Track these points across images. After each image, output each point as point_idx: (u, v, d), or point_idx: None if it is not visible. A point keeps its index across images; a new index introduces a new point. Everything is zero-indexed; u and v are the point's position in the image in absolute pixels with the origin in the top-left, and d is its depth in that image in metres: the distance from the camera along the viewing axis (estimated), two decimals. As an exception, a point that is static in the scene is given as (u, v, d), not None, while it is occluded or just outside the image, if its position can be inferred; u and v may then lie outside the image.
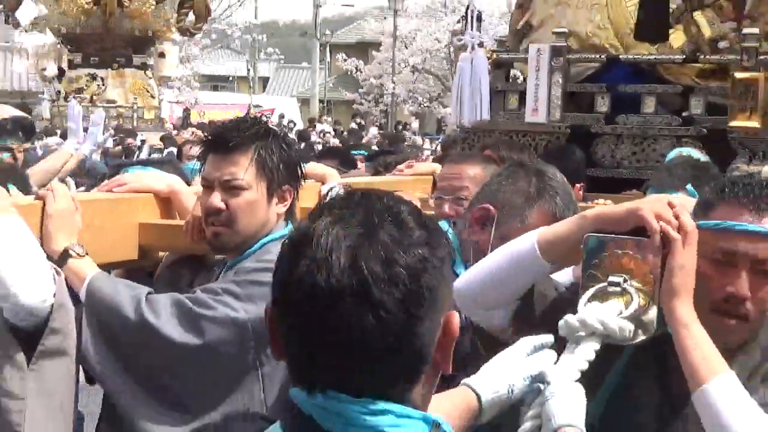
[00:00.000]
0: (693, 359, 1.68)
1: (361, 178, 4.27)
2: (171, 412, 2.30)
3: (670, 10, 5.28)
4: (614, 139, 5.33)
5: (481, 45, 5.55)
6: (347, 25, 43.21)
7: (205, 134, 3.54)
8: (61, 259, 2.29)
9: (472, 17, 5.57)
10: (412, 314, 1.13)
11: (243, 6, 31.30)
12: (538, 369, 1.59)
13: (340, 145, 14.90)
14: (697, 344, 1.69)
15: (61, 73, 12.96)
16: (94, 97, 12.54)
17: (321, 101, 38.71)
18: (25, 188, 3.40)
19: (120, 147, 12.24)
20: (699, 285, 1.77)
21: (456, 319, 1.18)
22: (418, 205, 1.44)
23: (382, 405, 1.14)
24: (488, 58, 5.56)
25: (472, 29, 5.54)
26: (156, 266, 2.80)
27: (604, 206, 2.69)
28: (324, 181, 3.53)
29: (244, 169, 2.37)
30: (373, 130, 22.46)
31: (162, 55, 13.47)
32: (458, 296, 1.84)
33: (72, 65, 12.46)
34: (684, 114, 5.25)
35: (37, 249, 2.13)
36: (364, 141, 16.29)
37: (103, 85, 12.85)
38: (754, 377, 1.82)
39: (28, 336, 2.08)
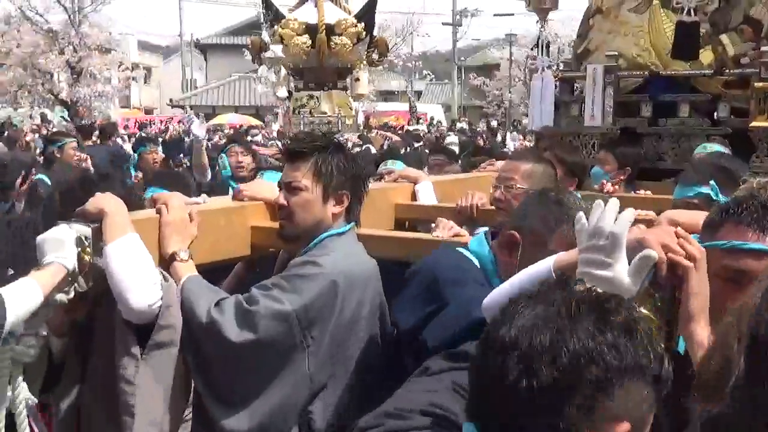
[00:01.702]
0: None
1: (449, 176, 4.53)
2: (233, 406, 2.44)
3: (701, 34, 5.63)
4: (656, 138, 5.86)
5: (549, 67, 6.26)
6: (475, 53, 52.16)
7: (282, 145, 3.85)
8: (168, 261, 2.55)
9: (542, 45, 6.35)
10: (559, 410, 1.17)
11: (405, 43, 39.39)
12: None
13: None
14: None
15: (290, 94, 16.02)
16: (312, 110, 15.36)
17: (459, 107, 45.25)
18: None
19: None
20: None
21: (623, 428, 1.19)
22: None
23: None
24: (556, 77, 6.28)
25: (542, 55, 6.30)
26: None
27: None
28: (417, 181, 3.83)
29: (302, 174, 2.62)
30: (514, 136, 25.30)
31: (357, 80, 16.42)
32: (486, 311, 1.90)
33: (297, 89, 15.65)
34: (713, 117, 5.70)
35: (148, 262, 2.41)
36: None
37: (318, 102, 15.65)
38: None
39: (142, 331, 2.38)
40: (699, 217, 2.29)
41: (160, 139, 15.73)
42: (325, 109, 16.10)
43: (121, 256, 2.36)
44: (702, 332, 1.66)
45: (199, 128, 7.93)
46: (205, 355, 2.46)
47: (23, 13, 25.02)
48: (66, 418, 2.61)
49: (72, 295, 2.42)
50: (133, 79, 33.20)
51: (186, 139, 12.66)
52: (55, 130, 17.59)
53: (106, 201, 2.46)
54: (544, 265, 1.84)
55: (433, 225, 3.59)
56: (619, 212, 1.69)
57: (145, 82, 43.66)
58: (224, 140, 18.69)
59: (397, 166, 4.74)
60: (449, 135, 19.59)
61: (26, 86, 24.68)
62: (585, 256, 1.69)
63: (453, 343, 2.11)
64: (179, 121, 32.26)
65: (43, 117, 25.06)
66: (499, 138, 21.91)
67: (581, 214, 1.75)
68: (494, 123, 32.78)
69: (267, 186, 3.11)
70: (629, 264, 1.65)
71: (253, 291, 2.48)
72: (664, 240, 1.69)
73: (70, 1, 24.11)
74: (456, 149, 10.97)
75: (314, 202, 2.63)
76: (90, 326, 2.56)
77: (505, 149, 15.21)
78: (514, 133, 27.29)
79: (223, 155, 6.41)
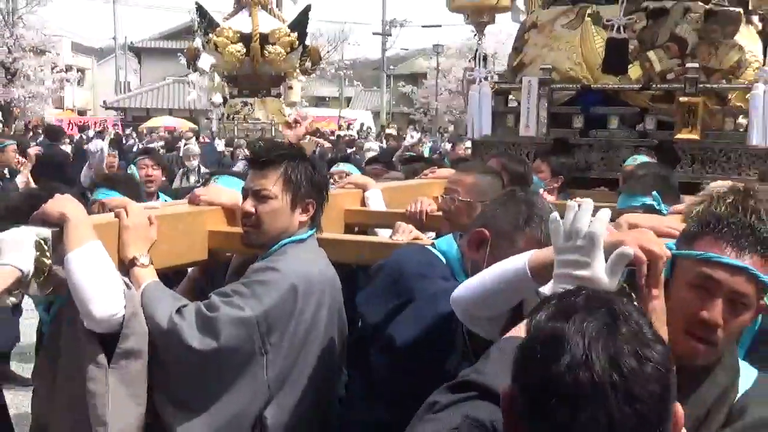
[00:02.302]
0: None
1: (396, 183, 4.46)
2: (191, 413, 2.38)
3: (629, 50, 5.72)
4: (587, 149, 5.97)
5: (486, 79, 6.34)
6: (404, 61, 52.25)
7: (247, 153, 3.73)
8: (128, 266, 2.47)
9: (479, 58, 6.40)
10: (666, 407, 1.11)
11: (336, 51, 39.94)
12: None
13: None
14: None
15: (224, 101, 16.32)
16: (246, 117, 15.83)
17: (387, 114, 45.13)
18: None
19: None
20: (677, 309, 1.74)
21: (679, 408, 1.15)
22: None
23: None
24: (492, 89, 6.33)
25: (479, 67, 6.36)
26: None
27: None
28: (366, 188, 3.81)
29: (272, 182, 2.57)
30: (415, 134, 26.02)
31: (290, 88, 16.84)
32: (454, 305, 1.92)
33: (231, 96, 15.95)
34: (639, 129, 5.87)
35: (110, 271, 2.32)
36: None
37: (252, 108, 16.10)
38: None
39: (108, 340, 2.29)
40: (655, 220, 2.34)
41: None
42: (259, 116, 16.33)
43: (83, 265, 2.26)
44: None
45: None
46: (164, 362, 2.38)
47: (-45, 13, 24.32)
48: None
49: (20, 299, 2.35)
50: (67, 80, 32.44)
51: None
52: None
53: (67, 205, 2.36)
54: (519, 262, 1.82)
55: (378, 230, 3.62)
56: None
57: (78, 84, 42.63)
58: (161, 143, 18.63)
59: (349, 168, 4.75)
60: (369, 141, 19.83)
61: (-43, 87, 23.99)
62: (563, 258, 1.68)
63: (423, 338, 2.14)
64: (114, 124, 31.77)
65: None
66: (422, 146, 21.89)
67: (555, 214, 1.74)
68: (414, 130, 33.06)
69: (224, 191, 3.07)
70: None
71: (212, 297, 2.42)
72: (641, 242, 1.68)
73: (4, 2, 23.46)
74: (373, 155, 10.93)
75: (283, 210, 2.59)
76: (56, 345, 2.47)
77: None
78: (414, 131, 28.48)
79: (133, 166, 6.04)
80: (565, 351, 1.09)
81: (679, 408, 1.14)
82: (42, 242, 2.32)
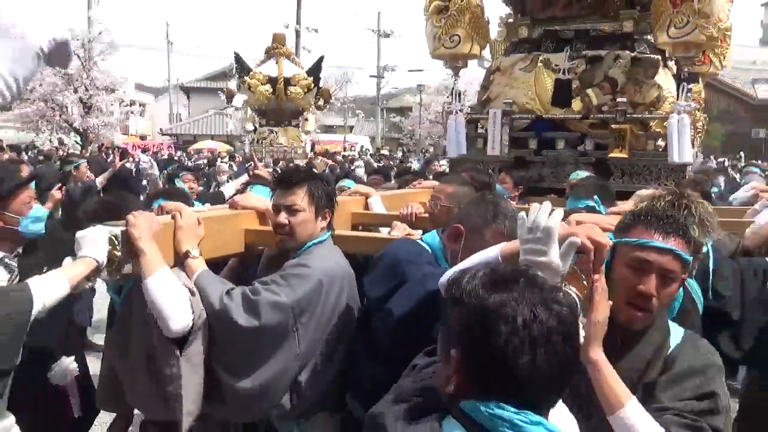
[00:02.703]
0: (606, 392, 1.64)
1: (392, 191, 4.48)
2: (238, 375, 2.38)
3: (572, 88, 5.87)
4: (540, 165, 5.96)
5: (461, 110, 6.39)
6: (394, 97, 52.44)
7: (274, 174, 3.76)
8: (183, 258, 2.45)
9: (455, 95, 6.48)
10: (574, 347, 1.21)
11: (341, 89, 39.92)
12: None
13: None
14: (607, 380, 1.65)
15: (255, 129, 16.15)
16: (272, 142, 15.58)
17: (381, 138, 45.94)
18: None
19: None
20: (619, 285, 1.77)
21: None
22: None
23: (536, 418, 1.16)
24: (465, 118, 6.39)
25: (455, 101, 6.42)
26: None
27: None
28: (369, 195, 3.80)
29: (300, 198, 2.57)
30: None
31: (306, 119, 16.53)
32: (441, 287, 1.86)
33: (260, 125, 15.85)
34: (581, 149, 5.86)
35: (180, 290, 2.30)
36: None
37: (276, 135, 15.82)
38: (638, 386, 1.75)
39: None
40: (597, 218, 2.34)
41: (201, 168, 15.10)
42: (282, 141, 16.62)
43: (158, 288, 2.26)
44: (597, 354, 1.68)
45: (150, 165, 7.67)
46: (216, 335, 2.37)
47: (44, 59, 24.19)
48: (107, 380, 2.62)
49: (95, 282, 2.35)
50: (132, 112, 32.32)
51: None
52: (70, 151, 17.11)
53: (143, 236, 2.30)
54: (492, 252, 1.82)
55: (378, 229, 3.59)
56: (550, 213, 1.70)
57: (140, 115, 42.57)
58: (204, 161, 18.64)
59: (349, 183, 4.72)
60: (359, 159, 19.72)
61: (46, 117, 23.95)
62: (526, 247, 1.68)
63: (414, 311, 2.13)
64: (168, 146, 31.65)
65: (60, 141, 24.29)
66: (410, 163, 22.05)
67: (523, 214, 1.75)
68: (401, 152, 33.70)
69: (256, 197, 3.07)
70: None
71: (255, 284, 2.41)
72: (589, 233, 1.69)
73: (83, 51, 23.41)
74: (363, 170, 11.46)
75: (310, 220, 2.59)
76: (128, 321, 2.47)
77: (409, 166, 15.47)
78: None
79: (178, 179, 6.08)
80: (505, 320, 1.16)
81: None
82: (114, 238, 2.30)
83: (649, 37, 5.92)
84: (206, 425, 2.44)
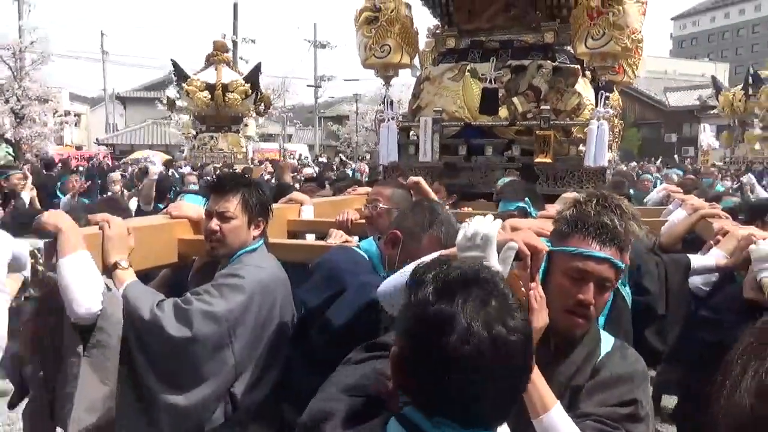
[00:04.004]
0: (533, 396, 1.61)
1: (326, 198, 4.41)
2: (171, 388, 2.24)
3: (499, 96, 5.94)
4: (470, 170, 6.03)
5: (392, 119, 6.36)
6: (331, 106, 52.37)
7: (209, 180, 3.62)
8: (111, 269, 2.31)
9: (387, 103, 6.45)
10: (527, 362, 1.12)
11: (279, 98, 39.14)
12: None
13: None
14: (535, 385, 1.61)
15: (195, 135, 16.20)
16: (212, 147, 15.73)
17: (319, 146, 45.52)
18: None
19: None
20: (557, 293, 1.74)
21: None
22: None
23: None
24: (397, 126, 6.37)
25: (387, 110, 6.40)
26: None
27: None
28: (303, 203, 3.70)
29: (233, 205, 2.46)
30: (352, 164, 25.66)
31: (246, 125, 16.78)
32: (380, 296, 1.79)
33: (200, 131, 15.86)
34: (508, 155, 5.90)
35: (94, 275, 2.15)
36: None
37: (216, 141, 15.96)
38: (566, 390, 1.73)
39: (85, 332, 2.11)
40: (532, 223, 2.33)
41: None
42: (222, 147, 16.43)
43: (72, 269, 2.11)
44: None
45: (155, 166, 7.33)
46: (148, 346, 2.22)
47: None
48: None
49: (22, 300, 2.18)
50: (66, 123, 31.16)
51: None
52: (1, 163, 16.36)
53: (61, 219, 2.18)
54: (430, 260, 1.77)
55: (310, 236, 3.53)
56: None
57: (75, 125, 40.99)
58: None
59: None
60: (307, 167, 19.64)
61: (-24, 128, 22.92)
62: (465, 254, 1.64)
63: (354, 320, 2.05)
64: (104, 156, 30.67)
65: (-9, 152, 23.26)
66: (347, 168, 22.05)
67: (465, 223, 1.70)
68: (340, 158, 33.20)
69: (189, 206, 2.94)
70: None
71: (187, 295, 2.29)
72: (526, 239, 1.66)
73: (13, 61, 22.47)
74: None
75: (242, 228, 2.48)
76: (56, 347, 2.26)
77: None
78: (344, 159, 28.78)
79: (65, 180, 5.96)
80: (452, 329, 1.07)
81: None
82: (36, 251, 2.16)
83: (569, 47, 6.03)
84: None
